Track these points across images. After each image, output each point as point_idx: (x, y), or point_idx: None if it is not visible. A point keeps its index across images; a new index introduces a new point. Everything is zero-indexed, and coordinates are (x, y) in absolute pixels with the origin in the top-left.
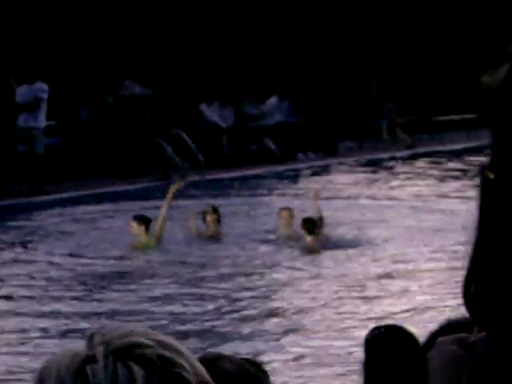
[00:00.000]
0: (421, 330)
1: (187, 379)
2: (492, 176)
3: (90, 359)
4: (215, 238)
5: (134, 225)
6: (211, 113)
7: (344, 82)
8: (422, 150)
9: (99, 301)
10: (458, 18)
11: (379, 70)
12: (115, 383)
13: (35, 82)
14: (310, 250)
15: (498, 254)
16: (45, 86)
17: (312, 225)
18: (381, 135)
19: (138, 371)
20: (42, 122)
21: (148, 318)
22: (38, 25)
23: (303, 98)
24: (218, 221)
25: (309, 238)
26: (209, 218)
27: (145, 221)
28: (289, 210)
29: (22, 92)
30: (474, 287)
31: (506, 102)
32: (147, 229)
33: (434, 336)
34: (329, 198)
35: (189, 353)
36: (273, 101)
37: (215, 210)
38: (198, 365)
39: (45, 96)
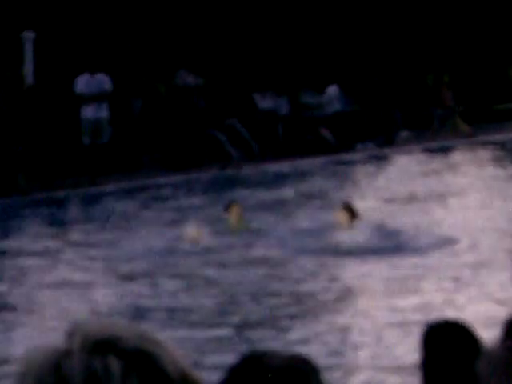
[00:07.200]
0: None
1: (167, 373)
2: None
3: (67, 353)
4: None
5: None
6: (265, 101)
7: (401, 71)
8: (482, 138)
9: None
10: None
11: (437, 58)
12: (91, 377)
13: (95, 72)
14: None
15: None
16: (107, 78)
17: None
18: (439, 124)
19: (115, 364)
20: (107, 111)
21: None
22: (93, 16)
23: (359, 86)
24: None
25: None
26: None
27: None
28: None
29: (84, 82)
30: None
31: None
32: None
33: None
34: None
35: (171, 346)
36: (332, 89)
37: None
38: (181, 358)
39: (111, 88)
